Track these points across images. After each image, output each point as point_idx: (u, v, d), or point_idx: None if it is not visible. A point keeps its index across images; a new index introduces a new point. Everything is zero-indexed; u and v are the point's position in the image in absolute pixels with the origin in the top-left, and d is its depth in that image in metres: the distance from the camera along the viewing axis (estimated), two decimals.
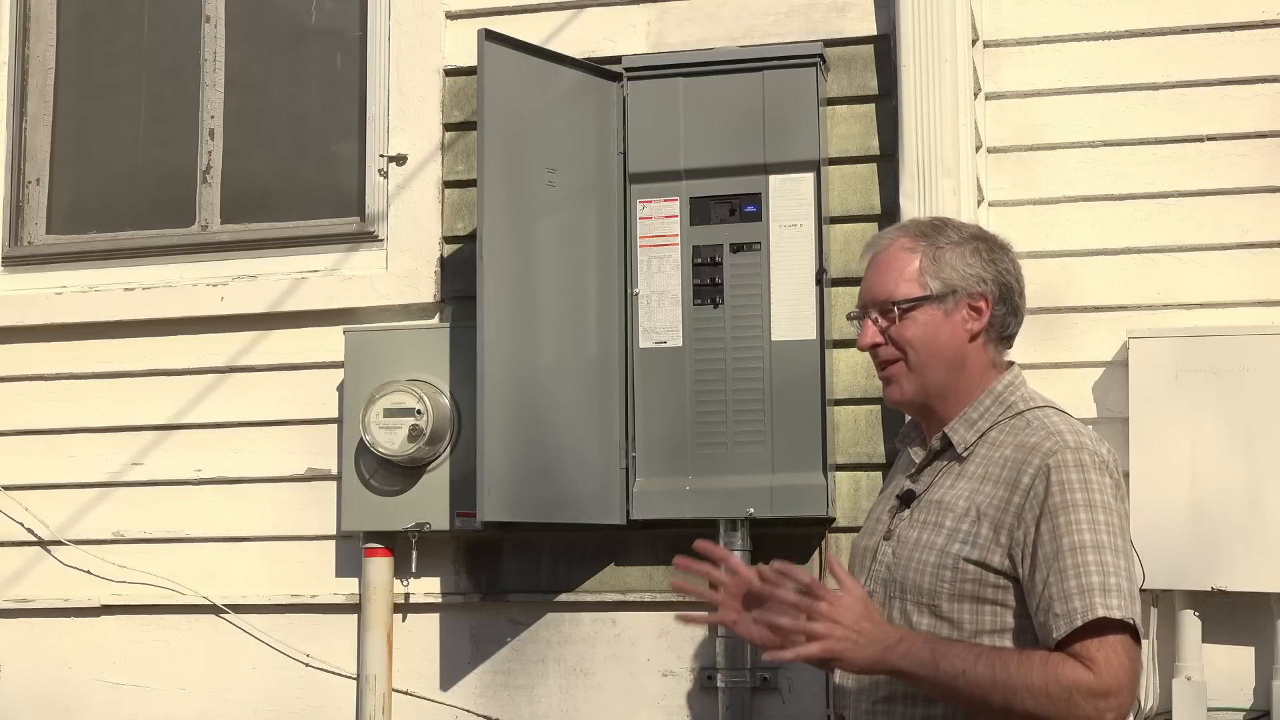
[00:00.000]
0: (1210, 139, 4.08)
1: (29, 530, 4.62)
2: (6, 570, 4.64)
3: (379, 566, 4.26)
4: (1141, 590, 3.74)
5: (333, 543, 4.42)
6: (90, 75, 4.94)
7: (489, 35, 3.99)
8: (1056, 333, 4.08)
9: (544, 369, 4.04)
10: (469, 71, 4.31)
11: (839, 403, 4.06)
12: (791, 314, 4.03)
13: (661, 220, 4.15)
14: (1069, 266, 4.11)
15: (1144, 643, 3.84)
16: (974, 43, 4.12)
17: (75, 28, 4.94)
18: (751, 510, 3.97)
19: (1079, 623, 2.27)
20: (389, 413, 4.13)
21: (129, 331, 4.60)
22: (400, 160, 4.42)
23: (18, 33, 4.87)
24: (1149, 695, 3.91)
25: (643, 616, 4.17)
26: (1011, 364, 2.60)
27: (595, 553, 4.21)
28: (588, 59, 4.22)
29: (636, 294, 4.14)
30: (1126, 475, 3.84)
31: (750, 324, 4.05)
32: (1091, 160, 4.14)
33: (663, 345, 4.12)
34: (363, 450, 4.21)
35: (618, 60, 4.23)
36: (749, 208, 4.09)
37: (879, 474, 4.02)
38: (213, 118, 4.73)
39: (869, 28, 4.16)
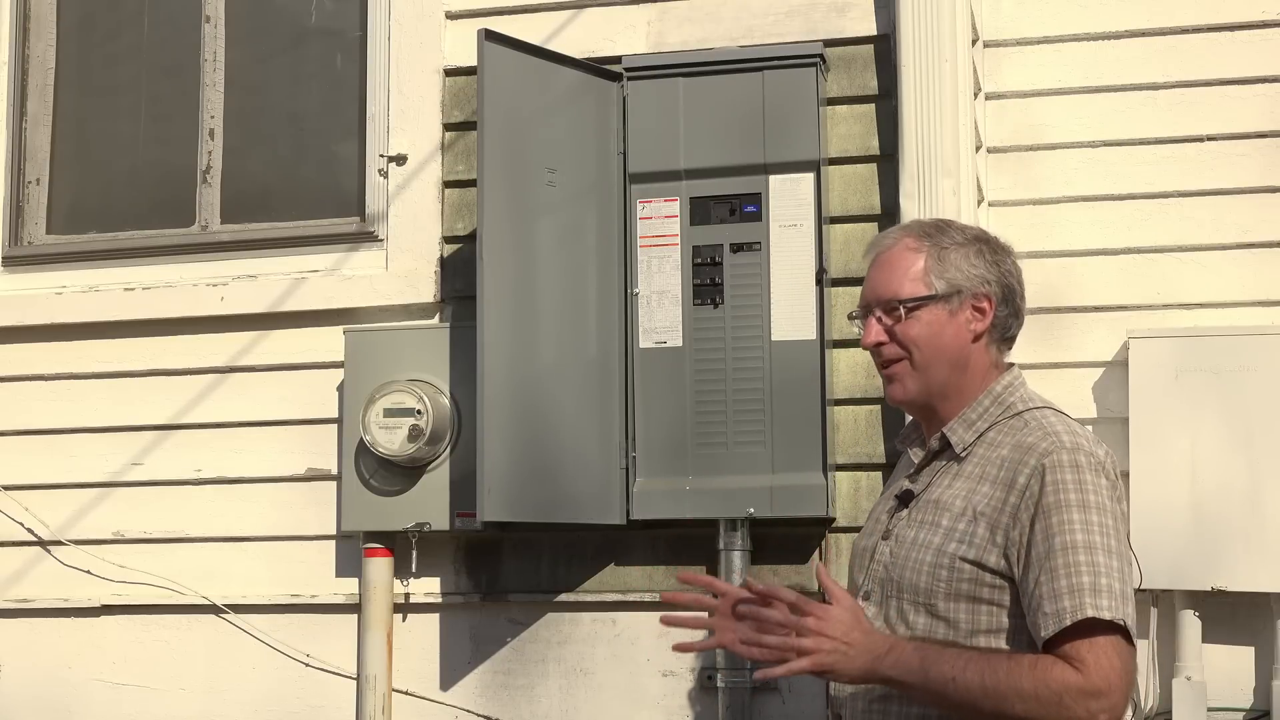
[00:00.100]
0: (1210, 139, 4.08)
1: (29, 530, 4.62)
2: (6, 570, 4.64)
3: (379, 566, 4.26)
4: (1141, 591, 3.76)
5: (333, 543, 4.42)
6: (90, 75, 4.94)
7: (489, 35, 3.99)
8: (1056, 333, 4.08)
9: (544, 369, 4.04)
10: (469, 71, 4.31)
11: (839, 403, 4.06)
12: (791, 314, 4.03)
13: (661, 220, 4.15)
14: (1069, 266, 4.11)
15: (1144, 643, 3.87)
16: (974, 43, 4.12)
17: (75, 28, 4.94)
18: (751, 510, 3.97)
19: (1067, 622, 2.27)
20: (389, 413, 4.13)
21: (129, 331, 4.60)
22: (400, 160, 4.42)
23: (18, 33, 4.87)
24: (1149, 695, 3.91)
25: (643, 616, 4.17)
26: (1011, 365, 2.60)
27: (595, 553, 4.21)
28: (588, 59, 4.22)
29: (636, 294, 4.14)
30: (1126, 475, 3.85)
31: (750, 324, 4.05)
32: (1091, 160, 4.14)
33: (663, 345, 4.12)
34: (363, 450, 4.21)
35: (618, 60, 4.23)
36: (749, 208, 4.09)
37: (879, 474, 4.02)
38: (213, 118, 4.73)
39: (869, 28, 4.16)
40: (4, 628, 4.62)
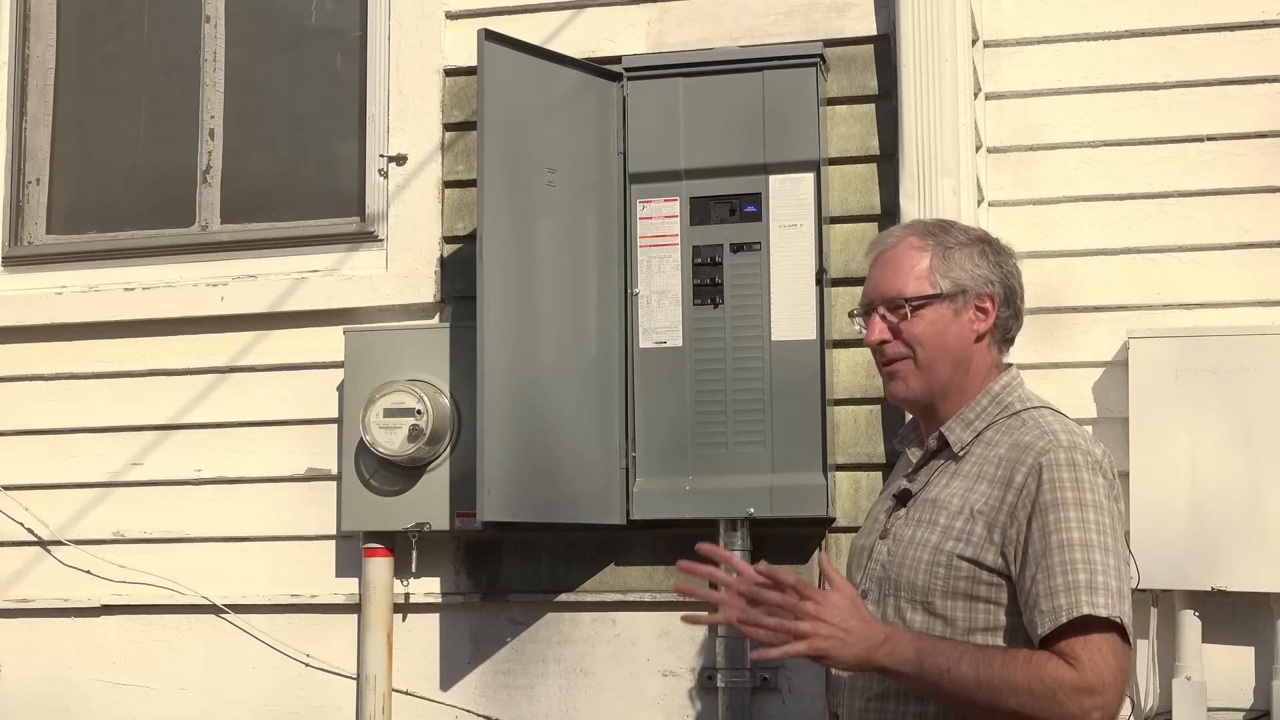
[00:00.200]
0: (1210, 139, 4.08)
1: (29, 530, 4.63)
2: (6, 570, 4.64)
3: (379, 566, 4.26)
4: (1140, 590, 3.77)
5: (333, 543, 4.42)
6: (90, 75, 4.94)
7: (489, 35, 3.99)
8: (1056, 333, 4.08)
9: (544, 369, 4.04)
10: (469, 71, 4.31)
11: (839, 403, 4.06)
12: (791, 314, 4.03)
13: (661, 220, 4.15)
14: (1069, 266, 4.11)
15: (1144, 643, 3.88)
16: (974, 43, 4.12)
17: (75, 28, 4.94)
18: (751, 510, 3.97)
19: (1063, 620, 2.28)
20: (389, 413, 4.13)
21: (129, 331, 4.60)
22: (400, 160, 4.42)
23: (18, 33, 4.87)
24: (1149, 695, 3.91)
25: (643, 616, 4.18)
26: (1010, 366, 2.61)
27: (595, 553, 4.21)
28: (588, 59, 4.22)
29: (636, 294, 4.14)
30: (1126, 475, 3.85)
31: (750, 324, 4.05)
32: (1091, 160, 4.14)
33: (663, 345, 4.12)
34: (363, 450, 4.21)
35: (618, 60, 4.23)
36: (749, 208, 4.09)
37: (879, 474, 4.02)
38: (213, 118, 4.73)
39: (869, 28, 4.16)
40: (4, 628, 4.62)
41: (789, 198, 4.07)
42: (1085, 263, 4.11)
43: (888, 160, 4.09)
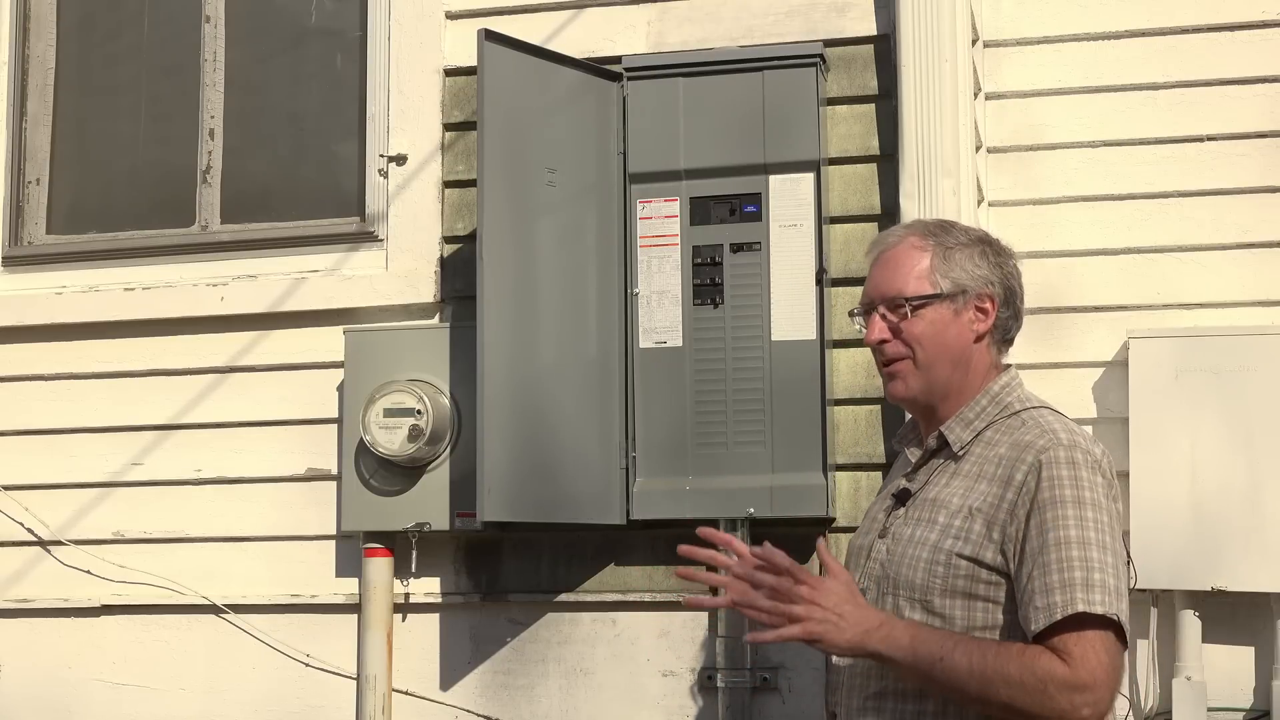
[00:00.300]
0: (1210, 139, 4.08)
1: (29, 530, 4.62)
2: (6, 570, 4.64)
3: (379, 566, 4.26)
4: (1140, 590, 3.77)
5: (333, 543, 4.42)
6: (90, 75, 4.94)
7: (489, 35, 3.99)
8: (1056, 333, 4.08)
9: (544, 369, 4.04)
10: (469, 71, 4.31)
11: (839, 403, 4.07)
12: (791, 314, 4.03)
13: (661, 220, 4.15)
14: (1069, 266, 4.11)
15: (1144, 643, 3.88)
16: (974, 43, 4.12)
17: (75, 28, 4.94)
18: (751, 510, 3.97)
19: (1058, 616, 2.28)
20: (389, 413, 4.13)
21: (129, 331, 4.60)
22: (400, 160, 4.42)
23: (18, 33, 4.87)
24: (1149, 695, 3.91)
25: (643, 616, 4.18)
26: (1009, 366, 2.62)
27: (595, 553, 4.21)
28: (588, 59, 4.22)
29: (636, 294, 4.14)
30: (1126, 475, 3.85)
31: (750, 324, 4.05)
32: (1091, 160, 4.14)
33: (663, 345, 4.12)
34: (363, 450, 4.21)
35: (618, 60, 4.23)
36: (749, 208, 4.09)
37: (879, 474, 4.02)
38: (213, 118, 4.73)
39: (869, 28, 4.16)
40: (4, 628, 4.62)
41: (789, 198, 4.07)
42: (1085, 263, 4.11)
43: (888, 160, 4.09)
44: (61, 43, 4.93)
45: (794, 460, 3.99)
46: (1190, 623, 3.86)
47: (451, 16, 4.44)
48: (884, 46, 4.14)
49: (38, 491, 4.63)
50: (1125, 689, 3.91)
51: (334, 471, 4.39)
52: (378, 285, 4.40)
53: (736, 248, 4.09)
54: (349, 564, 4.37)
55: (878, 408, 4.05)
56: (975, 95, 4.10)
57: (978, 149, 4.11)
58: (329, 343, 4.39)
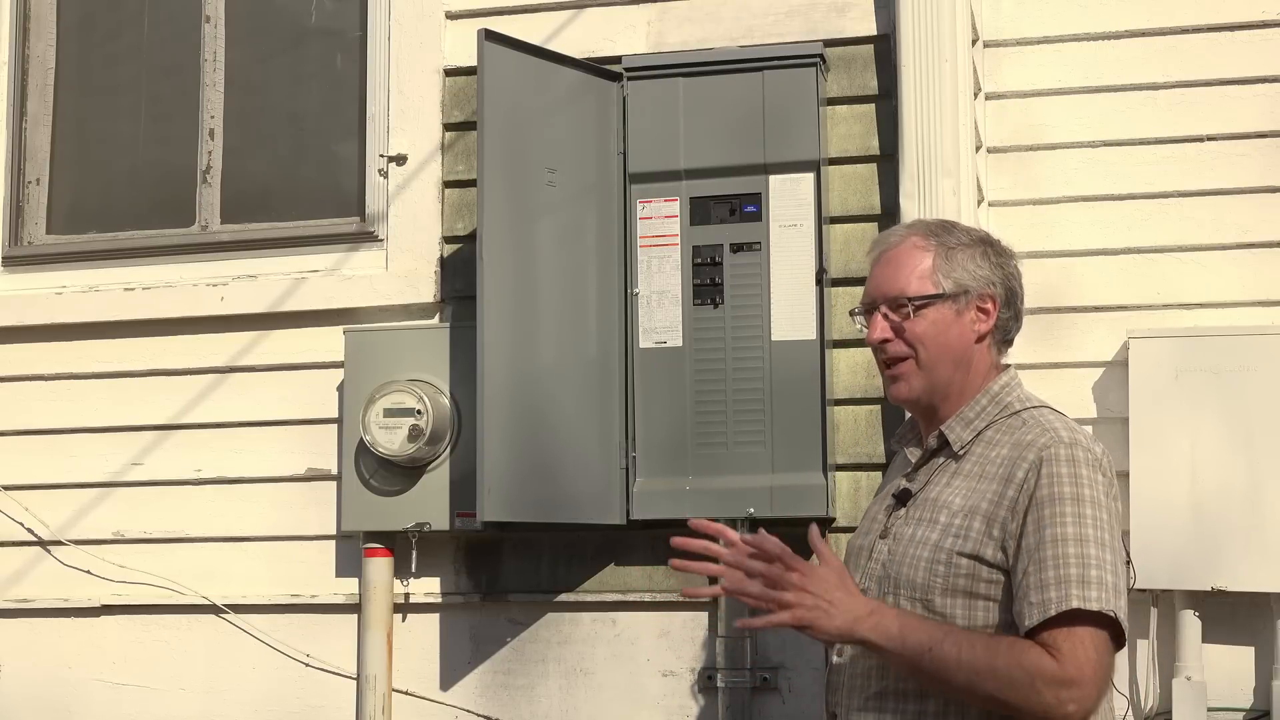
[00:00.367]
0: (1210, 139, 4.08)
1: (29, 530, 4.62)
2: (6, 570, 4.64)
3: (379, 566, 4.26)
4: (1140, 590, 3.77)
5: (333, 543, 4.42)
6: (90, 75, 4.94)
7: (489, 35, 3.99)
8: (1056, 333, 4.08)
9: (544, 369, 4.04)
10: (469, 71, 4.31)
11: (839, 403, 4.06)
12: (791, 314, 4.03)
13: (661, 220, 4.15)
14: (1069, 266, 4.11)
15: (1144, 643, 3.88)
16: (974, 43, 4.12)
17: (75, 28, 4.94)
18: (751, 510, 3.97)
19: (1052, 612, 2.29)
20: (389, 413, 4.13)
21: (129, 331, 4.60)
22: (400, 160, 4.42)
23: (18, 33, 4.87)
24: (1149, 695, 3.91)
25: (643, 616, 4.18)
26: (1008, 366, 2.62)
27: (595, 553, 4.21)
28: (588, 59, 4.22)
29: (636, 294, 4.14)
30: (1126, 475, 3.85)
31: (750, 324, 4.05)
32: (1091, 160, 4.14)
33: (663, 345, 4.12)
34: (363, 450, 4.21)
35: (618, 60, 4.23)
36: (749, 208, 4.09)
37: (879, 474, 4.01)
38: (213, 118, 4.73)
39: (869, 28, 4.16)
40: (4, 628, 4.62)
41: (789, 198, 4.07)
42: (1085, 263, 4.11)
43: (888, 160, 4.09)
44: (61, 43, 4.93)
45: (794, 460, 3.99)
46: (1190, 623, 3.86)
47: (451, 16, 4.44)
48: (884, 46, 4.14)
49: (38, 491, 4.63)
50: (1125, 689, 3.91)
51: (334, 471, 4.39)
52: (378, 285, 4.40)
53: (736, 248, 4.09)
54: (349, 564, 4.37)
55: (878, 408, 4.05)
56: (975, 95, 4.10)
57: (978, 149, 4.11)
58: (329, 343, 4.39)
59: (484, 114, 3.97)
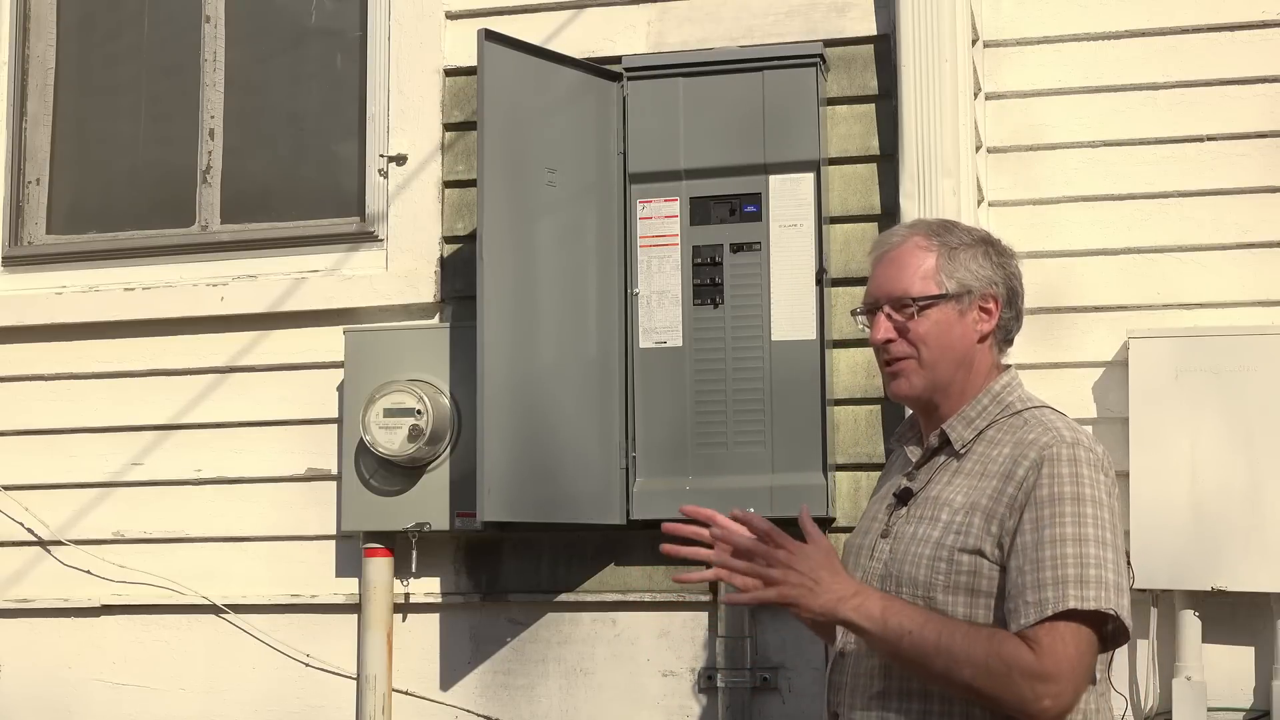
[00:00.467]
0: (1210, 139, 4.08)
1: (29, 530, 4.62)
2: (6, 570, 4.64)
3: (379, 566, 4.26)
4: (1140, 590, 3.77)
5: (333, 543, 4.42)
6: (90, 75, 4.94)
7: (489, 35, 3.99)
8: (1056, 333, 4.08)
9: (544, 369, 4.04)
10: (469, 71, 4.31)
11: (839, 403, 4.07)
12: (791, 314, 4.03)
13: (661, 220, 4.15)
14: (1069, 266, 4.11)
15: (1144, 643, 3.88)
16: (974, 43, 4.12)
17: (75, 28, 4.94)
18: (751, 510, 3.96)
19: (1049, 613, 2.28)
20: (389, 413, 4.13)
21: (129, 331, 4.60)
22: (400, 160, 4.42)
23: (18, 33, 4.87)
24: (1149, 695, 3.91)
25: (643, 616, 4.18)
26: (1009, 366, 2.62)
27: (595, 553, 4.21)
28: (588, 59, 4.22)
29: (636, 294, 4.14)
30: (1126, 475, 3.85)
31: (750, 324, 4.05)
32: (1091, 160, 4.14)
33: (663, 345, 4.12)
34: (363, 450, 4.21)
35: (618, 60, 4.24)
36: (749, 208, 4.09)
37: (879, 474, 4.01)
38: (213, 118, 4.73)
39: (869, 28, 4.16)
40: (4, 628, 4.62)
41: (789, 198, 4.07)
42: (1085, 263, 4.11)
43: (888, 160, 4.09)
44: (61, 43, 4.94)
45: (794, 460, 3.99)
46: (1190, 623, 3.86)
47: (451, 16, 4.44)
48: (884, 46, 4.14)
49: (38, 491, 4.63)
50: (1125, 689, 3.91)
51: (334, 471, 4.39)
52: (378, 285, 4.41)
53: (736, 248, 4.09)
54: (349, 564, 4.37)
55: (878, 408, 4.05)
56: (975, 95, 4.10)
57: (978, 149, 4.11)
58: (329, 343, 4.39)
59: (484, 114, 3.97)
